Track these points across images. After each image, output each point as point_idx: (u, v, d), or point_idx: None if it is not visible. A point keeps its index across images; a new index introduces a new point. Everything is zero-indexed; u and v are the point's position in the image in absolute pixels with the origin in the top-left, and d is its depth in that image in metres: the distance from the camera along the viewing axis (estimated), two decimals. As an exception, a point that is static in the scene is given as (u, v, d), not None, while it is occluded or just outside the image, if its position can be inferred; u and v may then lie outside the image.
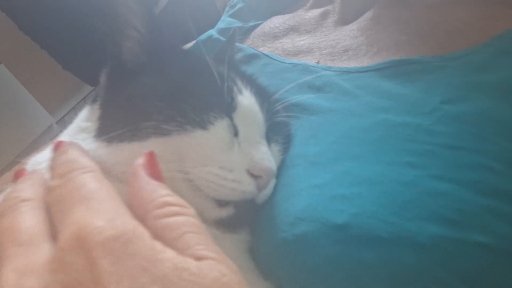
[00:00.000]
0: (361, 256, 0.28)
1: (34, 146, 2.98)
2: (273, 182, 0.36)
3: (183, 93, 0.35)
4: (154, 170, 0.27)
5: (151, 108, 0.34)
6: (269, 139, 0.39)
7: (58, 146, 0.30)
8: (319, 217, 0.30)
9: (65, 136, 0.41)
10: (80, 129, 0.40)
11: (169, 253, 0.21)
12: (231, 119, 0.36)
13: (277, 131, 0.40)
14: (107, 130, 0.36)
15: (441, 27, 0.41)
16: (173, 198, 0.24)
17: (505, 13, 0.40)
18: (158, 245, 0.21)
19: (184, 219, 0.23)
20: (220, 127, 0.35)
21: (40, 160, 0.38)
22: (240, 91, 0.37)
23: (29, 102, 2.95)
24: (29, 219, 0.24)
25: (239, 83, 0.38)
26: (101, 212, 0.21)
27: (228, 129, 0.35)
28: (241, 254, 0.36)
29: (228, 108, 0.36)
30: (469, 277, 0.26)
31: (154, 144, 0.34)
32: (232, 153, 0.35)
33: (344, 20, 0.52)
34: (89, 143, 0.37)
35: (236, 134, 0.36)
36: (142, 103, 0.35)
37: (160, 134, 0.34)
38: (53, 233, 0.23)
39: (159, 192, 0.24)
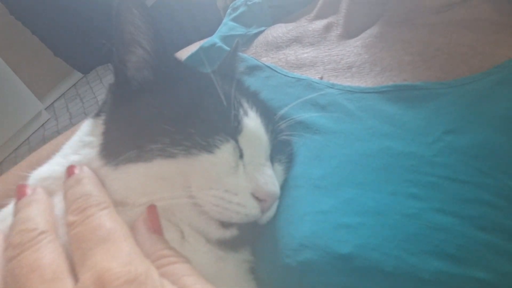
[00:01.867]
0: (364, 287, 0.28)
1: (22, 133, 2.94)
2: (276, 203, 0.37)
3: (190, 116, 0.35)
4: (154, 223, 0.32)
5: (157, 130, 0.34)
6: (272, 159, 0.39)
7: (70, 172, 0.31)
8: (324, 245, 0.31)
9: (67, 150, 0.41)
10: (83, 144, 0.40)
11: None
12: (236, 141, 0.36)
13: (280, 150, 0.40)
14: (113, 151, 0.36)
15: (444, 50, 0.42)
16: (169, 251, 0.29)
17: (508, 39, 0.40)
18: (167, 284, 0.26)
19: (181, 266, 0.29)
20: (225, 151, 0.35)
21: (43, 175, 0.38)
22: (246, 113, 0.37)
23: (18, 88, 2.90)
24: (51, 254, 0.26)
25: (245, 104, 0.38)
26: (118, 256, 0.24)
27: (233, 152, 0.36)
28: (243, 274, 0.37)
29: (233, 130, 0.36)
30: None
31: (159, 166, 0.34)
32: (237, 176, 0.35)
33: (348, 34, 0.52)
34: (95, 165, 0.37)
35: (241, 156, 0.36)
36: (149, 125, 0.35)
37: (166, 156, 0.34)
38: (72, 268, 0.26)
39: (158, 246, 0.29)
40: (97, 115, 0.41)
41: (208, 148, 0.34)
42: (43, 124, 3.10)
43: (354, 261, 0.29)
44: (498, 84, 0.36)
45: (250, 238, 0.37)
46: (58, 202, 0.34)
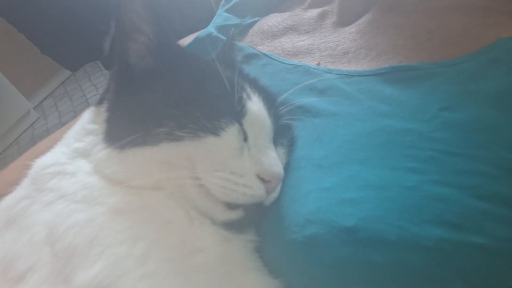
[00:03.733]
0: (369, 258, 0.30)
1: (11, 133, 2.90)
2: (280, 185, 0.38)
3: (195, 100, 0.36)
4: None
5: (164, 114, 0.35)
6: (275, 142, 0.40)
7: None
8: (329, 219, 0.32)
9: (70, 139, 0.41)
10: (86, 132, 0.40)
11: None
12: (241, 124, 0.37)
13: (282, 134, 0.41)
14: (118, 135, 0.36)
15: (436, 33, 0.43)
16: None
17: (498, 21, 0.42)
18: None
19: None
20: (231, 133, 0.36)
21: (48, 163, 0.38)
22: (249, 97, 0.38)
23: (6, 88, 2.85)
24: None
25: (248, 88, 0.39)
26: None
27: (238, 135, 0.37)
28: (249, 253, 0.38)
29: (238, 114, 0.37)
30: (469, 276, 0.28)
31: (165, 149, 0.35)
32: (242, 158, 0.36)
33: (342, 22, 0.53)
34: (98, 149, 0.37)
35: (245, 139, 0.37)
36: (154, 110, 0.36)
37: (172, 139, 0.35)
38: None
39: None
40: (99, 103, 0.42)
41: (214, 130, 0.35)
42: (32, 124, 3.06)
43: (358, 233, 0.30)
44: (490, 63, 0.37)
45: (256, 219, 0.38)
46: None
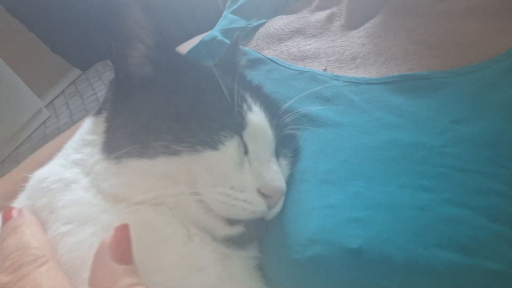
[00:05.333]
0: (375, 283, 0.28)
1: (23, 131, 2.94)
2: (282, 199, 0.36)
3: (193, 112, 0.35)
4: (121, 248, 0.25)
5: (161, 127, 0.34)
6: (277, 153, 0.39)
7: (7, 216, 0.27)
8: (333, 240, 0.30)
9: (69, 150, 0.40)
10: (85, 143, 0.39)
11: None
12: (241, 137, 0.35)
13: (285, 144, 0.40)
14: (116, 146, 0.35)
15: (450, 38, 0.41)
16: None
17: None
18: None
19: None
20: (230, 147, 0.34)
21: (44, 176, 0.37)
22: (250, 108, 0.37)
23: (17, 86, 2.88)
24: (51, 282, 0.24)
25: (249, 99, 0.37)
26: None
27: (238, 148, 0.35)
28: (250, 271, 0.36)
29: (238, 126, 0.35)
30: None
31: (163, 163, 0.34)
32: (242, 172, 0.35)
33: (351, 25, 0.51)
34: (95, 160, 0.36)
35: (246, 152, 0.36)
36: (152, 122, 0.35)
37: (170, 153, 0.33)
38: None
39: (122, 283, 0.23)
40: (98, 113, 0.41)
41: (213, 144, 0.34)
42: (43, 122, 3.09)
43: (364, 255, 0.29)
44: (506, 71, 0.35)
45: (257, 235, 0.37)
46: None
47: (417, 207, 0.30)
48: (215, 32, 0.60)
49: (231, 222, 0.35)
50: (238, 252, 0.36)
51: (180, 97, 0.36)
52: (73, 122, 2.76)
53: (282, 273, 0.34)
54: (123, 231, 0.26)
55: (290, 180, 0.38)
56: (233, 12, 0.67)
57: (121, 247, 0.25)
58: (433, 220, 0.29)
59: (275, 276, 0.35)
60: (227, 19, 0.65)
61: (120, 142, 0.35)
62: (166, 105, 0.35)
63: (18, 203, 0.36)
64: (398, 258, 0.28)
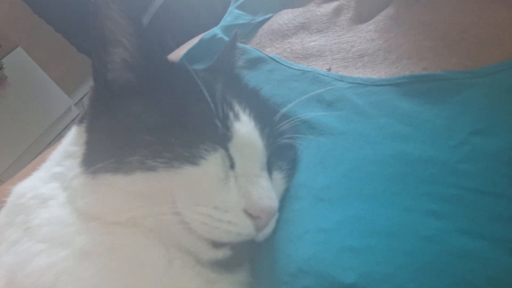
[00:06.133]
0: None
1: (53, 128, 3.03)
2: (274, 219, 0.33)
3: (172, 124, 0.31)
4: None
5: (136, 141, 0.31)
6: (271, 165, 0.35)
7: None
8: (325, 272, 0.26)
9: (51, 162, 0.38)
10: (67, 154, 0.37)
11: None
12: (226, 150, 0.32)
13: (281, 156, 0.36)
14: (93, 160, 0.33)
15: (471, 32, 0.35)
16: None
17: None
18: None
19: None
20: (213, 162, 0.31)
21: (23, 191, 0.35)
22: (237, 117, 0.33)
23: (47, 85, 2.97)
24: None
25: (236, 106, 0.33)
26: None
27: (222, 162, 0.31)
28: None
29: (223, 138, 0.32)
30: None
31: (140, 180, 0.31)
32: (227, 190, 0.31)
33: (360, 17, 0.46)
34: (74, 174, 0.34)
35: (232, 166, 0.32)
36: (128, 135, 0.32)
37: (146, 169, 0.30)
38: None
39: None
40: (81, 122, 0.38)
41: (192, 159, 0.30)
42: (73, 119, 3.18)
43: None
44: None
45: (246, 258, 0.33)
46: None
47: (424, 237, 0.25)
48: (216, 29, 0.57)
49: (216, 245, 0.31)
50: (226, 276, 0.33)
51: (160, 107, 0.33)
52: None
53: None
54: None
55: (285, 196, 0.34)
56: (238, 7, 0.63)
57: None
58: (444, 255, 0.24)
59: None
60: (232, 15, 0.61)
61: (98, 156, 0.33)
62: (144, 117, 0.32)
63: None
64: None
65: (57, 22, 2.42)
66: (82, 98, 3.43)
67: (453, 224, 0.25)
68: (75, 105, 3.27)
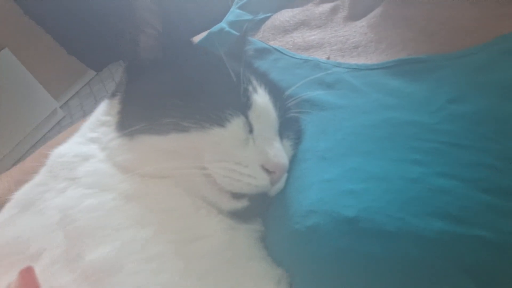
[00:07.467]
0: (368, 249, 0.30)
1: (38, 130, 3.01)
2: (285, 176, 0.38)
3: (201, 91, 0.37)
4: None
5: (170, 105, 0.36)
6: (281, 135, 0.41)
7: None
8: (330, 210, 0.32)
9: (85, 129, 0.43)
10: (100, 123, 0.42)
11: None
12: (246, 117, 0.38)
13: (288, 127, 0.42)
14: (129, 125, 0.38)
15: (447, 24, 0.43)
16: None
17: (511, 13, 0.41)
18: None
19: None
20: (236, 125, 0.36)
21: (64, 152, 0.40)
22: (255, 90, 0.39)
23: (33, 87, 2.96)
24: None
25: (254, 81, 0.39)
26: None
27: (243, 126, 0.37)
28: (254, 242, 0.38)
29: (243, 106, 0.37)
30: (472, 269, 0.28)
31: (173, 139, 0.36)
32: (247, 149, 0.37)
33: (353, 16, 0.53)
34: (110, 137, 0.39)
35: (251, 131, 0.38)
36: (162, 100, 0.37)
37: (179, 130, 0.36)
38: None
39: None
40: (113, 95, 0.43)
41: (219, 121, 0.36)
42: (58, 122, 3.16)
43: (359, 223, 0.30)
44: (502, 53, 0.36)
45: (261, 209, 0.39)
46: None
47: (409, 179, 0.31)
48: (222, 24, 0.63)
49: (236, 196, 0.37)
50: (243, 225, 0.38)
51: (188, 78, 0.38)
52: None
53: (283, 243, 0.35)
54: (27, 274, 0.28)
55: (293, 160, 0.40)
56: (240, 8, 0.69)
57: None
58: (424, 191, 0.30)
59: (277, 246, 0.37)
60: (234, 14, 0.68)
61: (133, 121, 0.38)
62: (175, 85, 0.38)
63: (39, 175, 0.39)
64: (391, 226, 0.29)
65: (49, 23, 2.44)
66: (68, 100, 3.42)
67: (432, 169, 0.31)
68: (60, 107, 3.25)
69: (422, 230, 0.29)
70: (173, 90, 0.37)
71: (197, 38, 0.67)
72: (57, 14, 2.27)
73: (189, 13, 1.52)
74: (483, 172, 0.31)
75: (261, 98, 0.39)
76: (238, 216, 0.38)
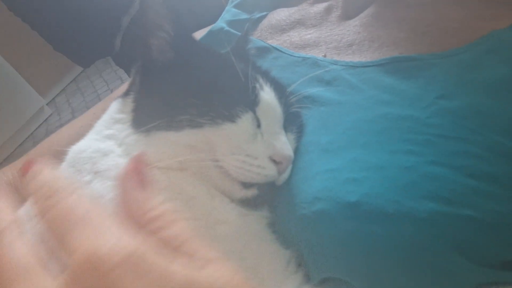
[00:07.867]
0: (370, 230, 0.33)
1: (26, 128, 2.97)
2: (290, 166, 0.42)
3: (213, 90, 0.40)
4: (141, 175, 0.26)
5: (186, 104, 0.39)
6: (285, 128, 0.44)
7: (27, 168, 0.27)
8: (334, 196, 0.36)
9: (100, 127, 0.45)
10: (115, 121, 0.45)
11: (175, 267, 0.21)
12: (254, 112, 0.41)
13: (291, 121, 0.45)
14: (145, 121, 0.40)
15: (436, 25, 0.46)
16: (163, 209, 0.24)
17: (495, 13, 0.45)
18: (162, 261, 0.21)
19: (179, 227, 0.24)
20: (245, 120, 0.40)
21: (82, 148, 0.43)
22: (261, 87, 0.42)
23: (19, 84, 2.92)
24: (20, 248, 0.23)
25: (260, 79, 0.43)
26: (103, 234, 0.21)
27: (252, 121, 0.40)
28: (263, 227, 0.42)
29: (251, 102, 0.41)
30: (459, 246, 0.32)
31: (188, 134, 0.39)
32: (256, 142, 0.40)
33: (347, 15, 0.57)
34: (126, 134, 0.42)
35: (259, 125, 0.41)
36: (177, 99, 0.40)
37: (194, 126, 0.39)
38: (48, 259, 0.22)
39: (149, 205, 0.24)
40: (126, 95, 0.46)
41: (231, 117, 0.39)
42: (46, 119, 3.13)
43: (361, 207, 0.34)
44: (485, 53, 0.40)
45: (269, 197, 0.42)
46: None
47: (404, 168, 0.35)
48: (221, 23, 0.66)
49: (246, 185, 0.40)
50: (252, 212, 0.42)
51: (199, 77, 0.41)
52: (75, 119, 2.80)
53: (291, 227, 0.39)
54: (139, 158, 0.26)
55: (296, 152, 0.44)
56: (235, 6, 0.72)
57: (140, 173, 0.26)
58: (418, 178, 0.34)
59: (285, 230, 0.40)
60: (230, 13, 0.70)
61: (148, 118, 0.41)
62: (188, 84, 0.41)
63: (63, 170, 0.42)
64: (389, 209, 0.33)
65: (35, 20, 2.40)
66: (54, 97, 3.39)
67: (424, 158, 0.35)
68: (47, 104, 3.22)
69: (416, 211, 0.33)
70: (188, 89, 0.40)
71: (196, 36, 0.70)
72: (43, 9, 2.24)
73: (181, 11, 1.53)
74: (469, 160, 0.35)
75: (267, 95, 0.42)
76: (248, 203, 0.41)
